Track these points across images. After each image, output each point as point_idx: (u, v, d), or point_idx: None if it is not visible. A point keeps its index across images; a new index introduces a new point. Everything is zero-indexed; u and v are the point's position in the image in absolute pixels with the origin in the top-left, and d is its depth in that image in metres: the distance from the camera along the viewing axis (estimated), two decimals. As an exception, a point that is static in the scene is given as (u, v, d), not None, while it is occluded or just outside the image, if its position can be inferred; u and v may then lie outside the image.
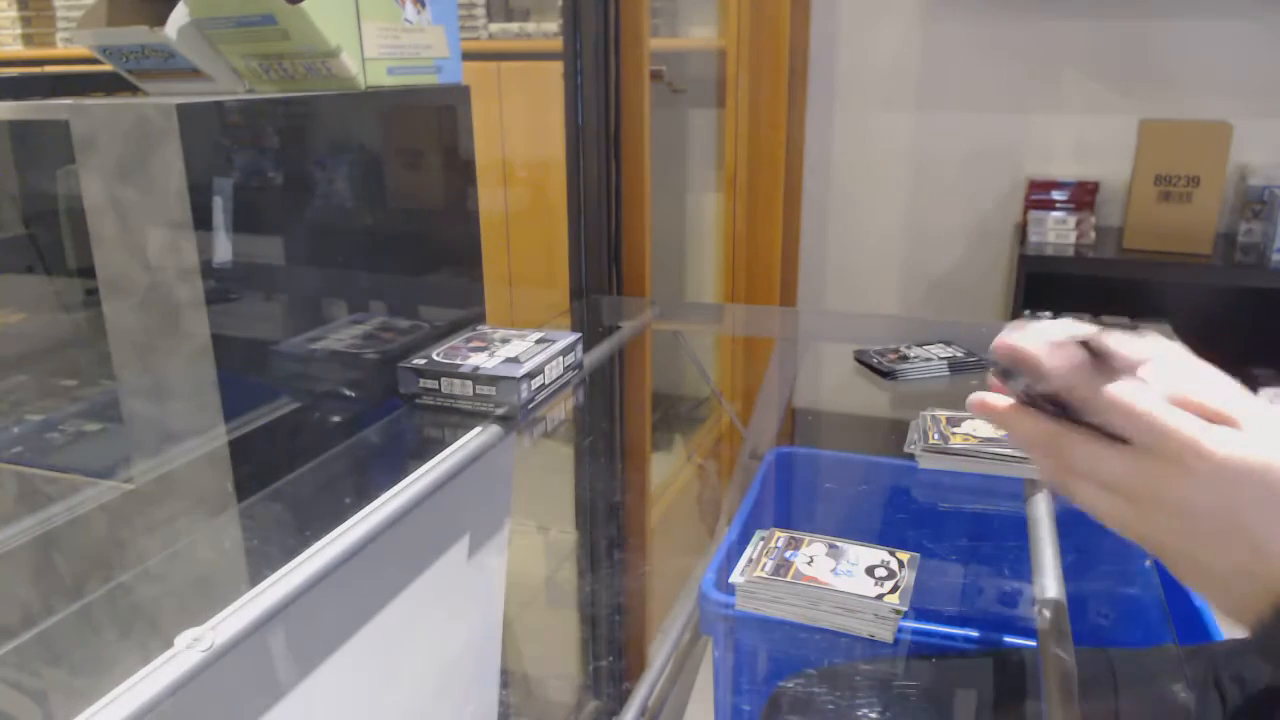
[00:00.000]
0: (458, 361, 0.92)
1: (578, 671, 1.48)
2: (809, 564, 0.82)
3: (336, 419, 0.90)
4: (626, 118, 1.46)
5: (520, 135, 2.12)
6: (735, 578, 0.82)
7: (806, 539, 0.87)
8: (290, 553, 0.64)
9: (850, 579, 0.80)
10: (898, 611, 0.76)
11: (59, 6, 2.86)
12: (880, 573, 0.81)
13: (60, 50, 2.88)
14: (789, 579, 0.80)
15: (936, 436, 0.98)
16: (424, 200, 1.01)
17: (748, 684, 0.99)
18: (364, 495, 0.73)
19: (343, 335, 0.90)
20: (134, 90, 0.92)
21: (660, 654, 1.01)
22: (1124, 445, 0.48)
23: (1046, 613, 0.70)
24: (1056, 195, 2.32)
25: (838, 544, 0.86)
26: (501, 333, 1.02)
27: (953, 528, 1.12)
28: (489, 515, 1.03)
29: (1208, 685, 0.72)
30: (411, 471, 0.77)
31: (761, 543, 0.86)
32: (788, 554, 0.84)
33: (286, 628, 0.66)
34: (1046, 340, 0.48)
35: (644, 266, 1.54)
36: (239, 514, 0.76)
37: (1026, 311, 2.24)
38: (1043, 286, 2.26)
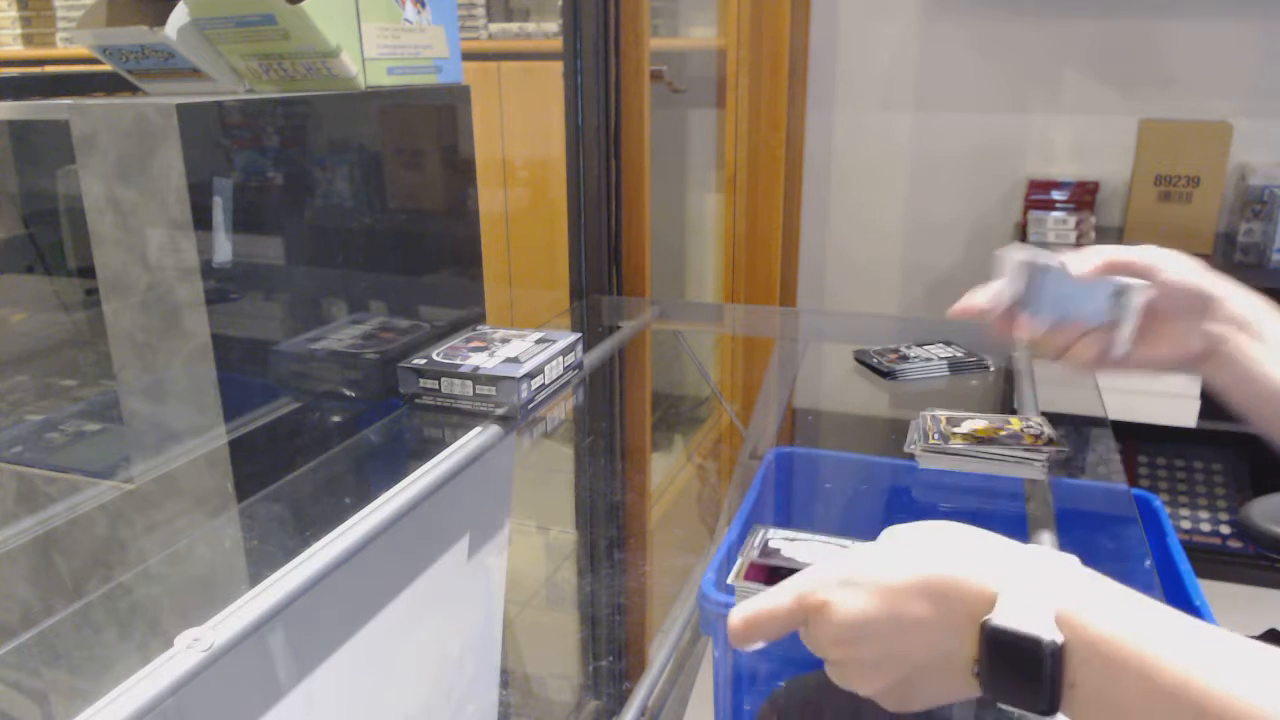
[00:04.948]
0: (458, 361, 0.92)
1: (578, 671, 1.48)
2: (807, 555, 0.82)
3: (336, 419, 0.90)
4: (626, 118, 1.46)
5: (520, 135, 2.12)
6: (734, 578, 0.82)
7: (804, 533, 0.86)
8: (290, 553, 0.64)
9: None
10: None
11: (59, 6, 2.86)
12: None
13: (60, 50, 2.87)
14: (789, 560, 0.80)
15: (936, 436, 0.98)
16: (424, 200, 1.01)
17: (748, 684, 0.99)
18: (364, 495, 0.73)
19: (343, 335, 0.90)
20: (134, 90, 0.92)
21: (660, 654, 1.01)
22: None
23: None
24: (1056, 195, 2.32)
25: (835, 540, 0.85)
26: (501, 333, 1.02)
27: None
28: (489, 515, 1.03)
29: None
30: (411, 471, 0.77)
31: (760, 536, 0.86)
32: (785, 543, 0.84)
33: (286, 628, 0.66)
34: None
35: (644, 266, 1.54)
36: (239, 514, 0.77)
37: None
38: (1043, 286, 2.25)
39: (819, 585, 0.50)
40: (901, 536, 0.51)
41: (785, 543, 0.84)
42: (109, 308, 0.77)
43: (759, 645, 0.53)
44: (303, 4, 0.80)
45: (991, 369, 1.19)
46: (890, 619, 0.47)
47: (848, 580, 0.50)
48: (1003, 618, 0.44)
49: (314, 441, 0.86)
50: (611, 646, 1.44)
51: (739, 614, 0.53)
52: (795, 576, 0.52)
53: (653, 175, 1.52)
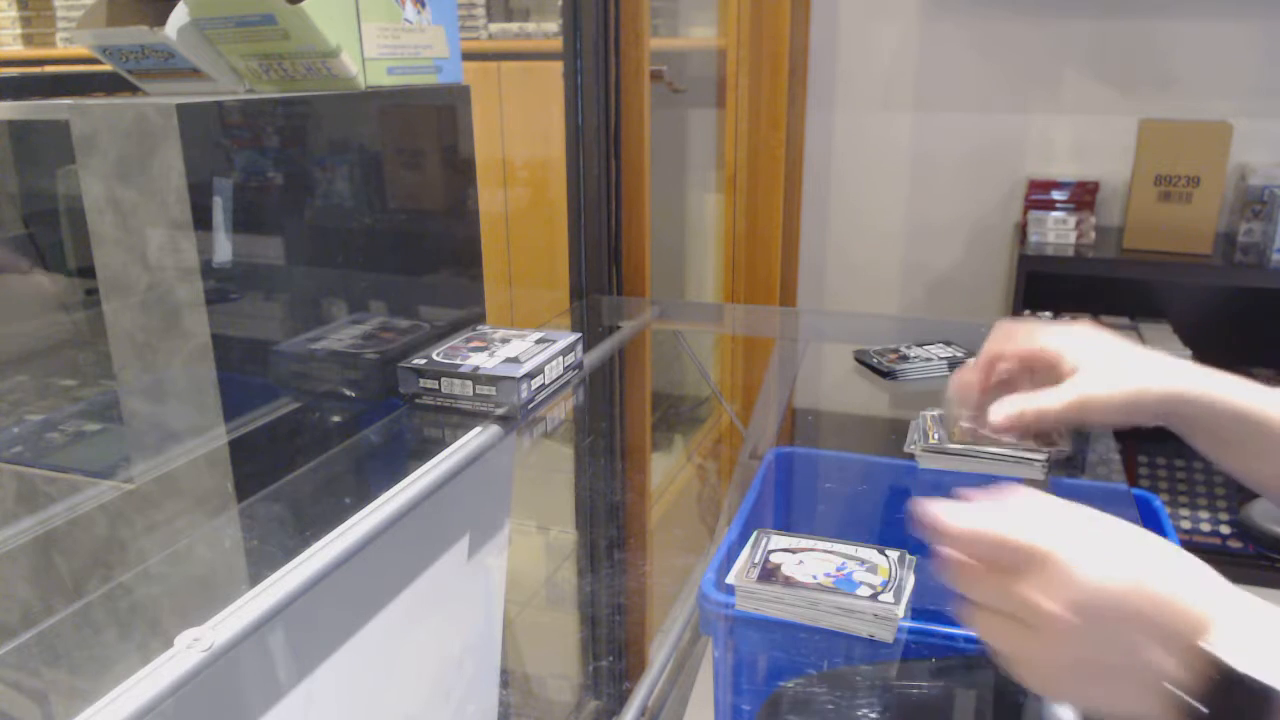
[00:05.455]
0: (458, 361, 0.92)
1: (578, 671, 1.48)
2: (808, 565, 0.82)
3: (336, 419, 0.90)
4: (626, 118, 1.46)
5: (520, 135, 2.12)
6: (734, 578, 0.82)
7: (806, 540, 0.87)
8: (290, 553, 0.64)
9: (849, 580, 0.80)
10: (897, 612, 0.76)
11: (59, 6, 2.85)
12: (879, 573, 0.81)
13: (60, 50, 2.87)
14: (788, 580, 0.80)
15: (937, 436, 0.98)
16: (424, 200, 1.01)
17: (747, 684, 0.99)
18: (364, 495, 0.73)
19: (343, 335, 0.90)
20: (134, 90, 0.92)
21: (660, 654, 1.01)
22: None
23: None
24: (1056, 195, 2.32)
25: (837, 545, 0.86)
26: (501, 333, 1.02)
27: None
28: (489, 515, 1.03)
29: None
30: (411, 471, 0.77)
31: (763, 543, 0.86)
32: (787, 555, 0.84)
33: (286, 628, 0.66)
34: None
35: (644, 266, 1.54)
36: (239, 514, 0.76)
37: (1027, 310, 2.24)
38: (1043, 286, 2.26)
39: (1055, 535, 0.47)
40: (1134, 532, 0.48)
41: (787, 555, 0.84)
42: (109, 308, 0.77)
43: (942, 551, 0.51)
44: (303, 4, 0.80)
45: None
46: (1132, 599, 0.45)
47: (1094, 544, 0.47)
48: (1245, 661, 0.41)
49: (314, 441, 0.86)
50: (611, 646, 1.44)
51: (952, 513, 0.50)
52: (1021, 514, 0.49)
53: (653, 175, 1.52)
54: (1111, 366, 0.68)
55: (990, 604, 0.49)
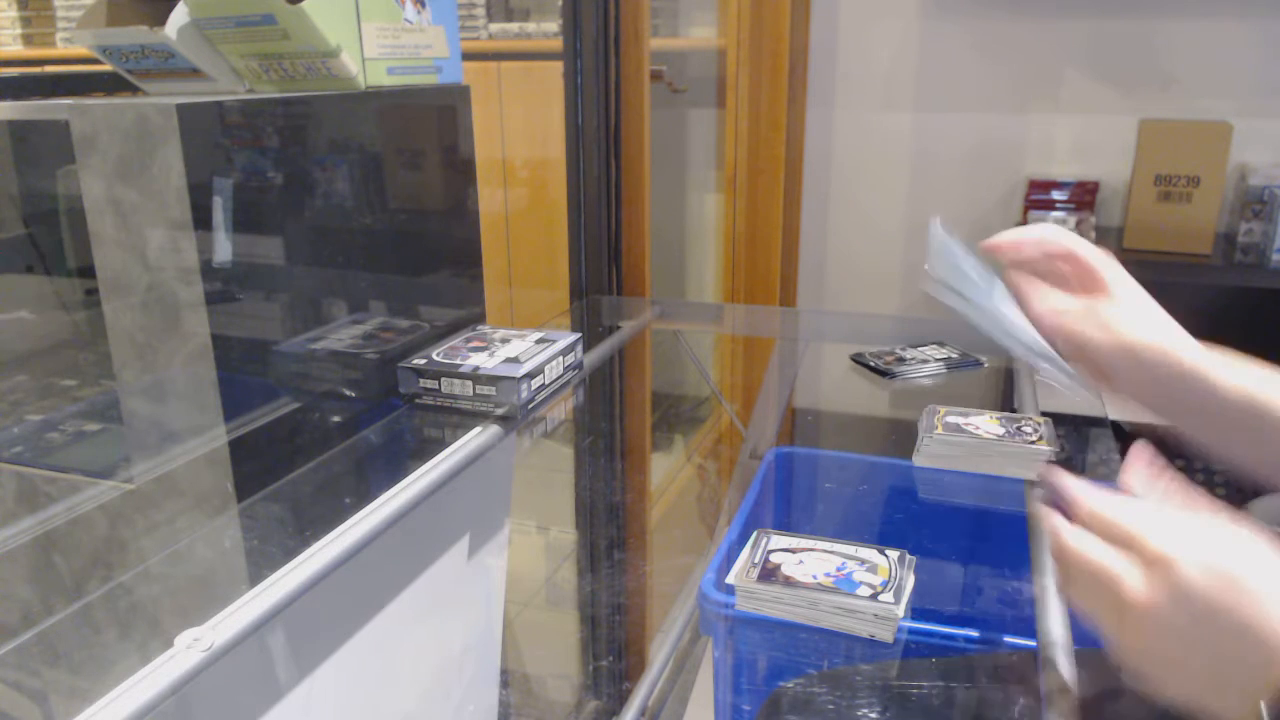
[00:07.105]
0: (458, 361, 0.92)
1: (578, 671, 1.48)
2: (808, 565, 0.82)
3: (336, 419, 0.90)
4: (626, 118, 1.46)
5: (520, 135, 2.12)
6: (734, 578, 0.82)
7: (806, 540, 0.87)
8: (290, 553, 0.64)
9: (849, 580, 0.80)
10: (897, 612, 0.76)
11: (59, 6, 2.85)
12: (879, 573, 0.81)
13: (60, 50, 2.87)
14: (788, 580, 0.80)
15: (939, 435, 0.98)
16: (424, 200, 1.01)
17: (747, 684, 0.99)
18: (364, 495, 0.73)
19: (343, 335, 0.90)
20: (134, 90, 0.92)
21: (660, 654, 1.01)
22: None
23: (1046, 613, 0.70)
24: (1056, 195, 2.32)
25: (837, 545, 0.86)
26: (501, 333, 1.02)
27: (953, 528, 1.13)
28: (489, 515, 1.03)
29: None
30: (411, 471, 0.77)
31: (763, 543, 0.86)
32: (787, 555, 0.84)
33: (286, 628, 0.66)
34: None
35: (644, 266, 1.54)
36: (239, 514, 0.77)
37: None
38: (1043, 286, 2.25)
39: (1172, 541, 0.48)
40: (1253, 538, 0.48)
41: (787, 555, 0.84)
42: (109, 308, 0.77)
43: (1064, 521, 0.53)
44: (303, 4, 0.80)
45: (985, 364, 1.19)
46: (1228, 616, 0.45)
47: (1207, 540, 0.48)
48: None
49: (314, 441, 0.86)
50: (611, 646, 1.44)
51: (1080, 491, 0.52)
52: (1145, 516, 0.50)
53: (653, 175, 1.52)
54: (1147, 306, 0.68)
55: (1092, 564, 0.50)
